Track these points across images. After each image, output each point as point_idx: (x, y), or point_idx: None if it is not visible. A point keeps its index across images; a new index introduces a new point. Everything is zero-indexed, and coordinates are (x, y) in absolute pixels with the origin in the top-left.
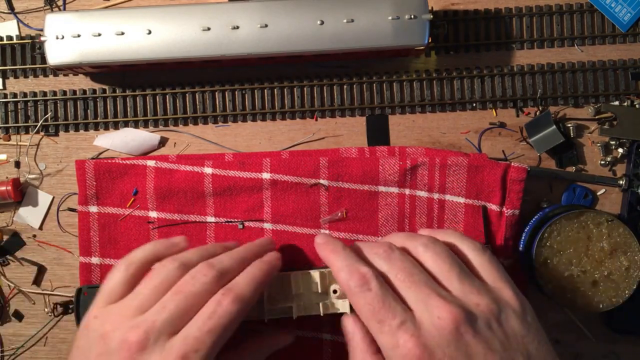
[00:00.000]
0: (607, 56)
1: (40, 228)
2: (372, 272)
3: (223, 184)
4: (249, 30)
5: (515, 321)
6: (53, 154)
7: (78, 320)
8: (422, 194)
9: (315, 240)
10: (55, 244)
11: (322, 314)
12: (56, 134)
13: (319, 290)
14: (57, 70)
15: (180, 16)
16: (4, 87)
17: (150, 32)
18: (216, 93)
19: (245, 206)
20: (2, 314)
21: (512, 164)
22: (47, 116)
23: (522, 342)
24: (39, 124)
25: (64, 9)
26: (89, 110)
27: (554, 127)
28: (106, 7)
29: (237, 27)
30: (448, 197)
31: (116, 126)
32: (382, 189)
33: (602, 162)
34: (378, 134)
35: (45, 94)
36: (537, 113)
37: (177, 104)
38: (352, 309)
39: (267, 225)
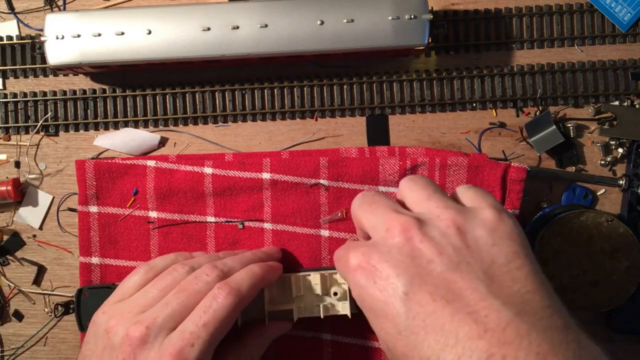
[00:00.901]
0: (607, 56)
1: (40, 228)
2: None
3: (223, 184)
4: (249, 30)
5: (482, 231)
6: (53, 154)
7: (79, 320)
8: None
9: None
10: (55, 244)
11: (322, 316)
12: (56, 134)
13: (319, 292)
14: (57, 70)
15: (180, 16)
16: (4, 87)
17: (150, 32)
18: (216, 93)
19: (245, 206)
20: (2, 314)
21: (512, 164)
22: (47, 116)
23: (486, 251)
24: (39, 124)
25: (64, 9)
26: (89, 110)
27: (554, 127)
28: (106, 7)
29: (237, 27)
30: None
31: (116, 126)
32: (382, 189)
33: (602, 162)
34: (378, 134)
35: (45, 94)
36: (537, 113)
37: (177, 104)
38: (352, 312)
39: (267, 225)
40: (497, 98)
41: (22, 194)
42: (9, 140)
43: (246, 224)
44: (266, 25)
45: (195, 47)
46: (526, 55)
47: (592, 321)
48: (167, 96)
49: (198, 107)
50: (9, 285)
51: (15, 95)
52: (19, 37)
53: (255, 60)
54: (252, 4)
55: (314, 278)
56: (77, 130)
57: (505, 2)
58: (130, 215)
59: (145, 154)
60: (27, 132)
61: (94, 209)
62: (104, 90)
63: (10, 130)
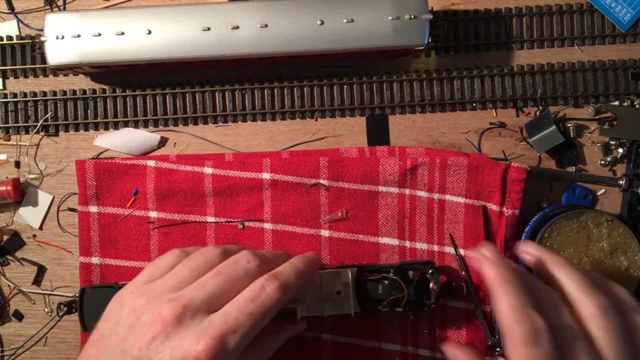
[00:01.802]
0: (607, 56)
1: (40, 228)
2: (545, 327)
3: (223, 184)
4: (249, 30)
5: None
6: (53, 154)
7: (82, 320)
8: (422, 194)
9: (482, 252)
10: (55, 244)
11: (325, 315)
12: (56, 134)
13: (323, 292)
14: (57, 70)
15: (180, 16)
16: (4, 87)
17: (150, 32)
18: (216, 93)
19: (246, 206)
20: (2, 314)
21: (512, 164)
22: (47, 116)
23: None
24: (39, 124)
25: (64, 9)
26: (89, 110)
27: (554, 127)
28: (106, 7)
29: (237, 27)
30: (448, 197)
31: (116, 126)
32: (382, 189)
33: (602, 162)
34: (378, 134)
35: (45, 94)
36: (537, 113)
37: (177, 104)
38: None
39: (267, 225)
40: (497, 98)
41: (22, 194)
42: (9, 140)
43: (246, 224)
44: (266, 25)
45: (195, 47)
46: (526, 55)
47: None
48: (167, 96)
49: (198, 107)
50: (9, 285)
51: (15, 95)
52: (19, 37)
53: (255, 60)
54: (252, 4)
55: (317, 277)
56: (77, 130)
57: (505, 2)
58: (130, 215)
59: (145, 154)
60: (27, 132)
61: (94, 209)
62: (104, 90)
63: (10, 130)
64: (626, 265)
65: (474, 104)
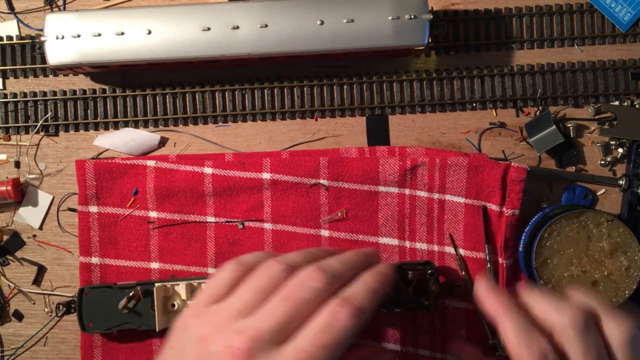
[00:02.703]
0: (607, 56)
1: (40, 228)
2: (550, 349)
3: (223, 184)
4: (249, 30)
5: None
6: (53, 154)
7: (80, 320)
8: (422, 194)
9: (477, 286)
10: (55, 244)
11: None
12: (56, 134)
13: None
14: (57, 70)
15: (180, 16)
16: (4, 87)
17: (150, 32)
18: (216, 93)
19: (246, 206)
20: (2, 314)
21: (512, 164)
22: (47, 116)
23: None
24: (39, 124)
25: (64, 9)
26: (89, 110)
27: (554, 127)
28: (106, 7)
29: (237, 27)
30: (448, 197)
31: (116, 126)
32: (382, 189)
33: (602, 162)
34: (378, 134)
35: (45, 94)
36: (537, 113)
37: (177, 104)
38: None
39: (267, 226)
40: (497, 98)
41: (22, 194)
42: (9, 140)
43: (246, 224)
44: (266, 25)
45: (195, 47)
46: (526, 55)
47: None
48: (167, 96)
49: (198, 107)
50: (9, 285)
51: (15, 95)
52: (19, 37)
53: (255, 60)
54: (252, 4)
55: None
56: (77, 130)
57: (505, 2)
58: (130, 215)
59: (145, 154)
60: (27, 132)
61: (94, 209)
62: (104, 90)
63: (10, 130)
64: (626, 265)
65: (474, 104)
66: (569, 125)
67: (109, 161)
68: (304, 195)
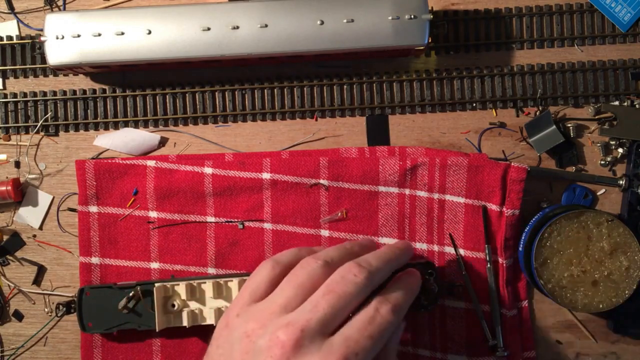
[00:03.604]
0: (607, 56)
1: (40, 228)
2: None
3: (223, 184)
4: (249, 30)
5: None
6: (53, 154)
7: (80, 320)
8: (422, 194)
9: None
10: (55, 244)
11: None
12: (56, 134)
13: None
14: (57, 70)
15: (180, 16)
16: (4, 87)
17: (150, 32)
18: (216, 93)
19: (246, 206)
20: (2, 314)
21: (512, 164)
22: (47, 116)
23: None
24: (39, 124)
25: (64, 9)
26: (89, 110)
27: (554, 127)
28: (106, 7)
29: (237, 27)
30: (448, 197)
31: (116, 126)
32: (382, 189)
33: (602, 162)
34: (378, 134)
35: (45, 94)
36: (537, 113)
37: (177, 104)
38: None
39: (267, 226)
40: (497, 98)
41: (22, 194)
42: (9, 140)
43: (246, 224)
44: (266, 25)
45: (195, 47)
46: (526, 55)
47: (592, 321)
48: (167, 96)
49: (198, 107)
50: (9, 285)
51: (15, 95)
52: (19, 37)
53: (255, 60)
54: (252, 4)
55: None
56: (77, 130)
57: (505, 2)
58: (130, 215)
59: (145, 154)
60: (27, 132)
61: (94, 209)
62: (104, 90)
63: (10, 130)
64: (626, 265)
65: (474, 104)
66: (569, 125)
67: (109, 161)
68: (304, 195)
